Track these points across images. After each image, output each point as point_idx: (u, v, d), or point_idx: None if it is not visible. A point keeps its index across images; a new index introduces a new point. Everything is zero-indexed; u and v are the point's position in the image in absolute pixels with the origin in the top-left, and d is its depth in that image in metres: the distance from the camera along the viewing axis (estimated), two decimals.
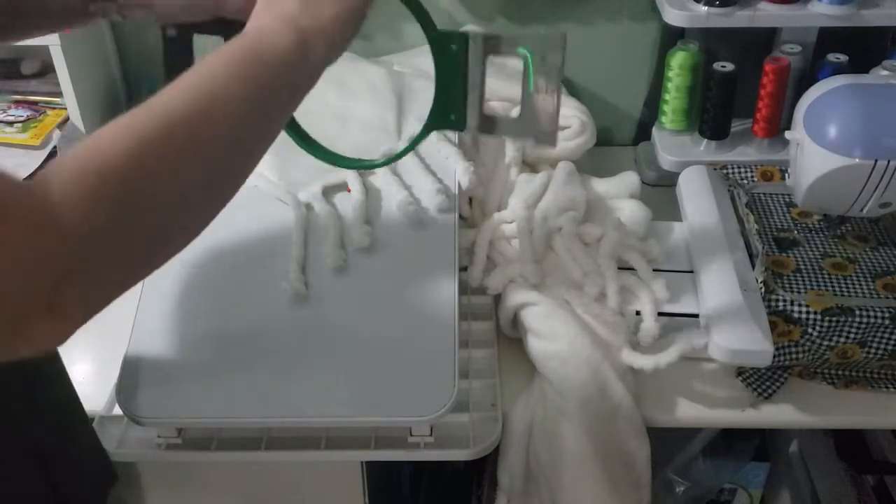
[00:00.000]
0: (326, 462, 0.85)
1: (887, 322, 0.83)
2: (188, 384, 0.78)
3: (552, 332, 0.84)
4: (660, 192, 1.12)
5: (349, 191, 0.94)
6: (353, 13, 0.60)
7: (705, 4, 1.03)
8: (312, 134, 0.77)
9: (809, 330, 0.83)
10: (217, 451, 0.80)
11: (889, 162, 0.83)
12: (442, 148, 0.98)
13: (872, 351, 0.84)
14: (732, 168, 1.05)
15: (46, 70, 1.13)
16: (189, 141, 0.49)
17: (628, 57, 1.22)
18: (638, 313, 0.87)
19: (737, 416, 0.85)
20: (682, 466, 1.21)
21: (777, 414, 0.85)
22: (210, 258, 0.87)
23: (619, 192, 1.03)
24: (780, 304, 0.84)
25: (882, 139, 0.83)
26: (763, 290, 0.85)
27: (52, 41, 1.02)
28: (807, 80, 1.04)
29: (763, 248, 0.91)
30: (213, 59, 0.52)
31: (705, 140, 1.13)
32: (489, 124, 0.69)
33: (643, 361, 0.82)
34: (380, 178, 0.96)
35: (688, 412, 0.85)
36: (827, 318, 0.83)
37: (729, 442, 1.21)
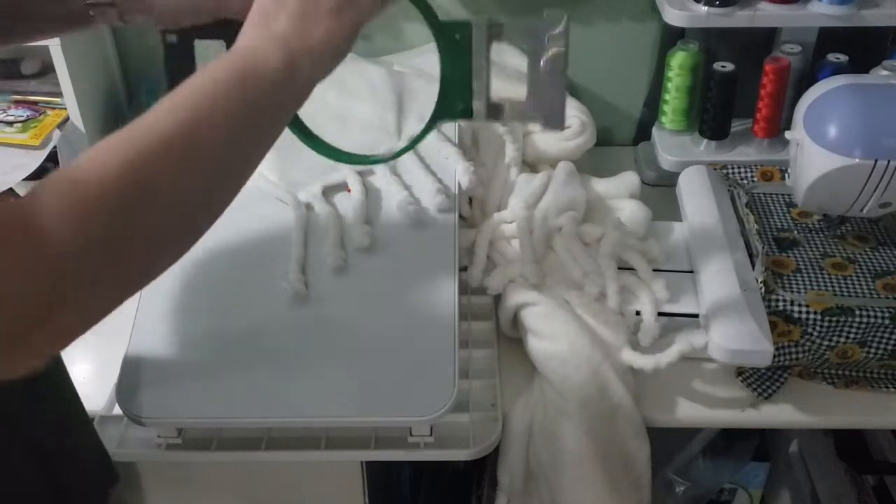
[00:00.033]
0: (326, 462, 0.85)
1: (887, 322, 0.83)
2: (188, 384, 0.78)
3: (552, 332, 0.84)
4: (660, 192, 1.12)
5: (349, 191, 0.94)
6: (344, 36, 0.59)
7: (705, 4, 1.03)
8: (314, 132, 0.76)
9: (809, 330, 0.83)
10: (217, 451, 0.80)
11: (889, 162, 0.83)
12: (442, 148, 0.98)
13: (872, 351, 0.84)
14: (732, 168, 1.05)
15: (46, 70, 1.13)
16: (180, 159, 0.49)
17: (628, 57, 1.22)
18: (638, 313, 0.87)
19: (737, 416, 0.85)
20: (682, 466, 1.21)
21: (777, 414, 0.85)
22: (210, 258, 0.87)
23: (619, 192, 1.03)
24: (780, 304, 0.84)
25: (882, 139, 0.83)
26: (763, 290, 0.85)
27: (52, 41, 1.02)
28: (807, 80, 1.04)
29: (763, 248, 0.91)
30: (204, 77, 0.52)
31: (705, 140, 1.13)
32: (497, 111, 0.70)
33: (643, 361, 0.82)
34: (380, 178, 0.96)
35: (688, 412, 0.85)
36: (827, 318, 0.83)
37: (729, 442, 1.21)
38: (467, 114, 0.69)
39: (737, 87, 1.09)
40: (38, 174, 1.05)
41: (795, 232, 0.97)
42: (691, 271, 0.93)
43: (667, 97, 1.14)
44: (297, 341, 0.81)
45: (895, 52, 1.06)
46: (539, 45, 0.66)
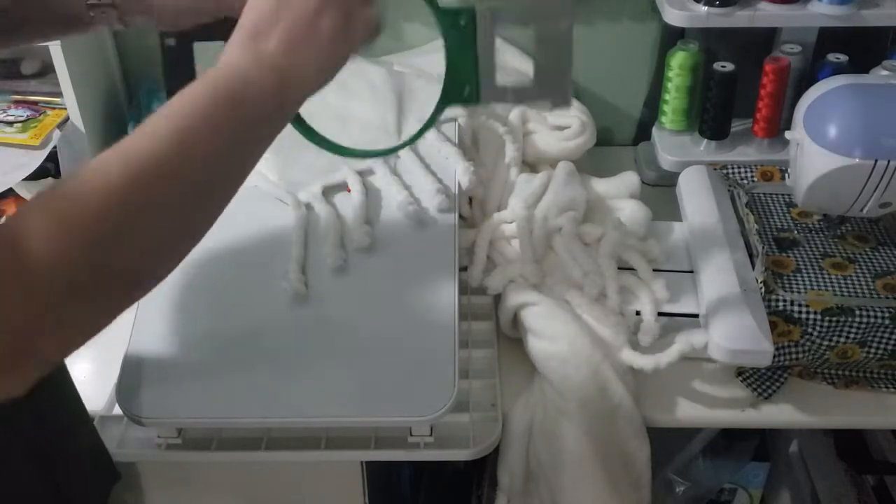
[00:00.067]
0: (326, 462, 0.85)
1: (887, 322, 0.83)
2: (188, 384, 0.78)
3: (552, 332, 0.84)
4: (660, 192, 1.12)
5: (349, 191, 0.94)
6: (335, 64, 0.60)
7: (705, 4, 1.03)
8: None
9: (809, 330, 0.83)
10: (217, 451, 0.80)
11: (889, 162, 0.83)
12: (442, 148, 0.98)
13: (872, 351, 0.84)
14: (732, 168, 1.05)
15: (46, 70, 1.13)
16: (168, 184, 0.49)
17: (628, 57, 1.22)
18: (638, 313, 0.87)
19: (737, 416, 0.85)
20: (682, 466, 1.21)
21: (777, 414, 0.85)
22: (210, 258, 0.87)
23: (619, 192, 1.03)
24: (780, 304, 0.84)
25: (882, 139, 0.83)
26: (763, 290, 0.85)
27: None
28: (807, 80, 1.04)
29: (763, 248, 0.91)
30: (193, 103, 0.52)
31: (705, 140, 1.13)
32: (503, 94, 0.70)
33: (643, 361, 0.82)
34: (380, 178, 0.96)
35: (688, 412, 0.85)
36: (827, 318, 0.83)
37: (729, 442, 1.21)
38: (474, 98, 0.69)
39: (737, 87, 1.09)
40: (38, 174, 1.05)
41: (795, 232, 0.97)
42: (691, 271, 0.93)
43: (667, 97, 1.14)
44: (297, 341, 0.81)
45: (895, 52, 1.06)
46: (543, 23, 0.66)
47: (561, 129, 1.08)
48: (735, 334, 0.81)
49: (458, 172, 0.95)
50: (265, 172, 0.96)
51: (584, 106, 1.10)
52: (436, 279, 0.85)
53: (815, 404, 0.86)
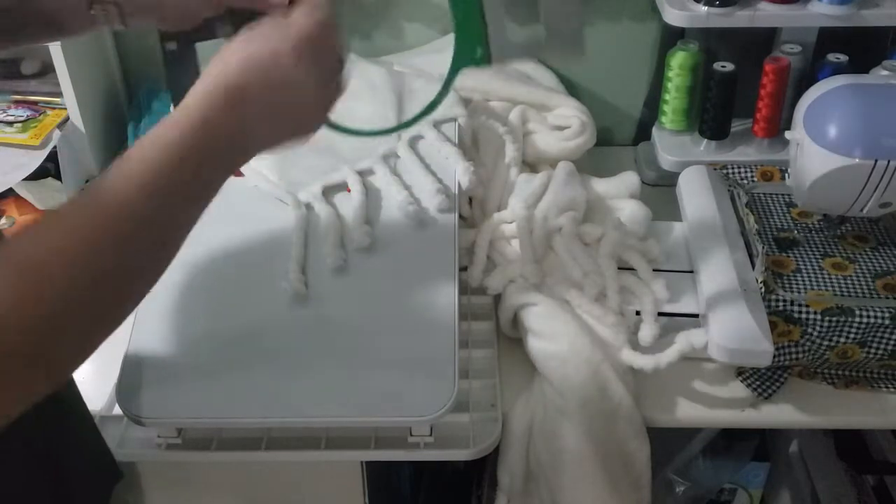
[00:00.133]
0: (326, 462, 0.85)
1: (887, 322, 0.82)
2: (188, 384, 0.78)
3: (552, 332, 0.84)
4: (660, 192, 1.12)
5: (349, 191, 0.94)
6: (295, 144, 0.62)
7: (705, 4, 1.03)
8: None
9: (809, 330, 0.83)
10: (217, 451, 0.80)
11: (889, 162, 0.83)
12: (442, 148, 0.98)
13: (872, 351, 0.84)
14: (732, 168, 1.05)
15: (46, 70, 1.13)
16: (128, 238, 0.51)
17: (628, 57, 1.22)
18: (638, 313, 0.87)
19: (737, 416, 0.85)
20: (682, 466, 1.21)
21: (777, 414, 0.85)
22: (210, 258, 0.87)
23: (619, 192, 1.03)
24: (780, 304, 0.84)
25: (882, 139, 0.83)
26: (763, 290, 0.85)
27: None
28: (807, 80, 1.04)
29: (763, 248, 0.91)
30: (160, 158, 0.52)
31: (705, 140, 1.13)
32: (515, 51, 0.69)
33: (643, 361, 0.82)
34: (380, 178, 0.96)
35: (688, 412, 0.85)
36: (827, 318, 0.83)
37: (729, 442, 1.21)
38: (486, 59, 0.69)
39: (737, 87, 1.09)
40: (38, 174, 1.06)
41: (795, 232, 0.97)
42: (691, 271, 0.93)
43: (667, 97, 1.14)
44: (297, 341, 0.81)
45: (895, 52, 1.06)
46: None
47: (561, 129, 1.08)
48: (735, 334, 0.81)
49: (458, 172, 0.95)
50: (265, 172, 0.96)
51: (584, 106, 1.10)
52: (436, 279, 0.85)
53: (815, 404, 0.86)
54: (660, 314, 0.87)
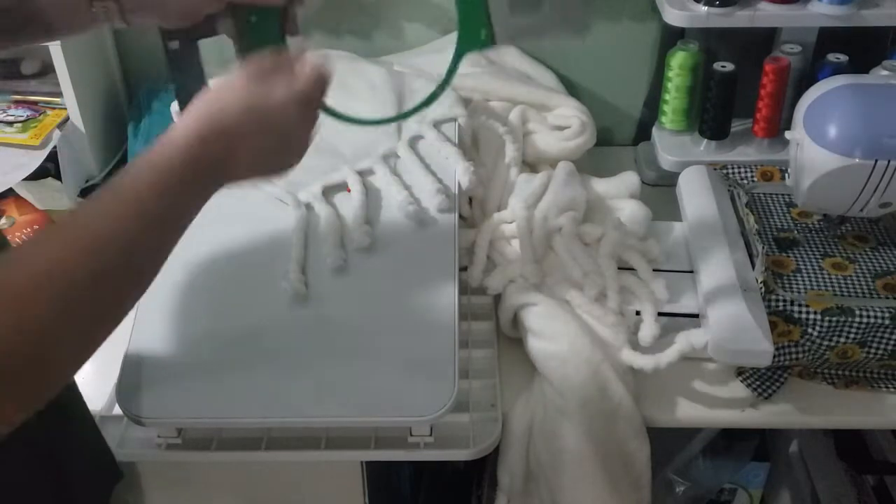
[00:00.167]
0: (326, 462, 0.85)
1: (887, 322, 0.83)
2: (188, 384, 0.78)
3: (552, 332, 0.84)
4: (660, 192, 1.12)
5: (349, 191, 0.94)
6: (276, 177, 0.64)
7: (705, 4, 1.03)
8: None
9: (809, 330, 0.83)
10: (217, 451, 0.80)
11: (889, 162, 0.83)
12: (442, 148, 0.98)
13: (872, 351, 0.84)
14: (732, 168, 1.05)
15: (46, 70, 1.13)
16: (108, 265, 0.51)
17: (628, 57, 1.22)
18: (638, 313, 0.87)
19: (737, 416, 0.85)
20: (682, 466, 1.21)
21: (777, 414, 0.85)
22: (210, 258, 0.87)
23: (619, 192, 1.03)
24: (780, 304, 0.84)
25: (882, 139, 0.83)
26: (763, 290, 0.85)
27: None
28: (807, 80, 1.04)
29: (763, 248, 0.91)
30: (144, 179, 0.54)
31: (705, 140, 1.13)
32: (517, 33, 0.69)
33: (643, 361, 0.82)
34: (380, 178, 0.96)
35: (688, 412, 0.85)
36: (827, 318, 0.83)
37: (729, 442, 1.21)
38: (490, 40, 0.69)
39: (737, 87, 1.09)
40: (38, 174, 1.06)
41: (795, 232, 0.97)
42: (691, 271, 0.93)
43: (667, 97, 1.14)
44: (297, 341, 0.81)
45: (895, 52, 1.06)
46: None
47: (561, 129, 1.08)
48: (735, 334, 0.81)
49: (458, 172, 0.95)
50: None
51: (584, 106, 1.10)
52: (436, 279, 0.85)
53: (815, 404, 0.86)
54: (660, 314, 0.87)
